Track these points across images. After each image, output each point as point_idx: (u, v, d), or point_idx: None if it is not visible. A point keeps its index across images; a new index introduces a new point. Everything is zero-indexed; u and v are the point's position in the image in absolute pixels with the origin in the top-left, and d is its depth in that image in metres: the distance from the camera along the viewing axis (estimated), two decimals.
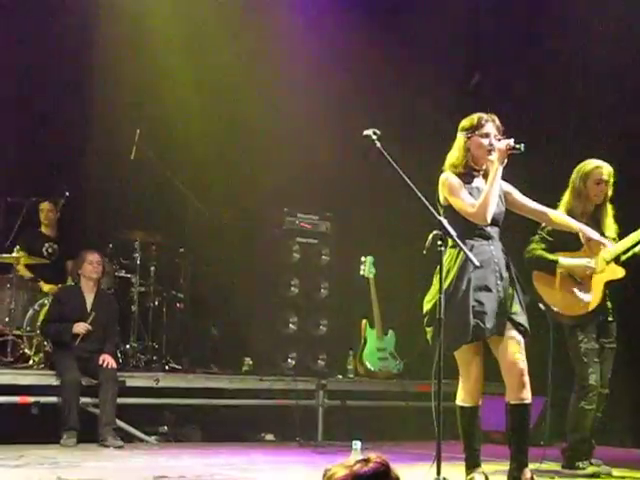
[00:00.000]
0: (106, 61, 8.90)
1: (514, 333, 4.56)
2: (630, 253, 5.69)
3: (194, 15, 9.26)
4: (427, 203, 4.41)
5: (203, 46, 9.20)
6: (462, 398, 4.67)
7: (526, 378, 4.55)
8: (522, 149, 4.58)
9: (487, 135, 4.65)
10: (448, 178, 4.66)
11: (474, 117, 4.71)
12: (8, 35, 8.40)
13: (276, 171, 9.33)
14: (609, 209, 5.80)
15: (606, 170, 5.76)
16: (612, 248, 5.65)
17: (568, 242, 5.71)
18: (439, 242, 4.32)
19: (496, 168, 4.58)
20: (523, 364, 4.54)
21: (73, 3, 8.76)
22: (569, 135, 8.12)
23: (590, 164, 5.78)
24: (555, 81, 8.58)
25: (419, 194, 4.41)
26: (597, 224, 5.74)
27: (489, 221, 4.62)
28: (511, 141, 4.59)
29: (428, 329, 4.66)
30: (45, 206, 8.25)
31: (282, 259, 8.64)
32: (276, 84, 9.33)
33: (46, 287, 7.80)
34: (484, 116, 4.69)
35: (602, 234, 5.72)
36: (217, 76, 9.25)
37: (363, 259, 8.85)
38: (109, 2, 8.96)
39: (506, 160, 4.60)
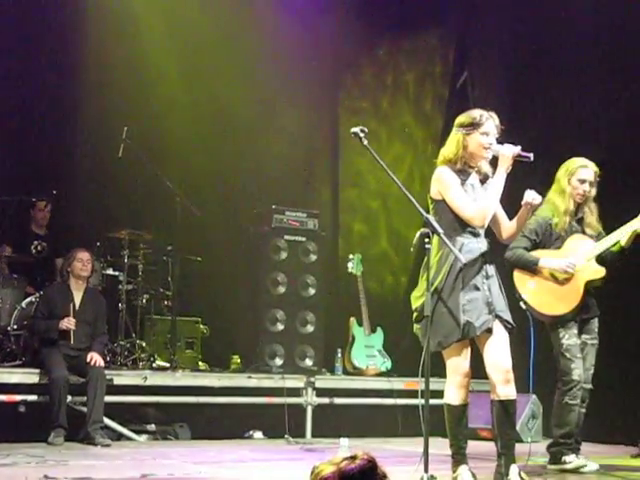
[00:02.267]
0: (94, 59, 8.88)
1: (501, 330, 4.58)
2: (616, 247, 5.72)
3: (183, 13, 9.25)
4: (413, 200, 4.43)
5: (192, 44, 9.20)
6: (450, 396, 4.67)
7: (511, 374, 4.57)
8: (531, 159, 4.57)
9: (487, 134, 4.62)
10: (444, 173, 4.63)
11: (474, 114, 4.66)
12: None
13: (264, 169, 9.33)
14: (592, 208, 5.82)
15: (591, 169, 5.78)
16: (592, 247, 5.69)
17: (551, 241, 5.74)
18: (426, 240, 4.33)
19: (501, 175, 4.56)
20: (509, 360, 4.56)
21: (61, 3, 8.73)
22: (556, 135, 8.13)
23: (576, 162, 5.80)
24: (542, 79, 8.61)
25: (405, 191, 4.43)
26: (580, 223, 5.78)
27: (485, 226, 4.64)
28: (518, 148, 4.58)
29: (417, 325, 4.66)
30: (42, 205, 8.22)
31: (270, 256, 8.64)
32: (266, 82, 9.33)
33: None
34: (484, 114, 4.65)
35: (584, 232, 5.76)
36: (206, 74, 9.24)
37: (351, 256, 8.86)
38: (97, 2, 8.94)
39: (510, 167, 4.58)
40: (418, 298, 4.61)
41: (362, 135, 4.51)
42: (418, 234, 4.36)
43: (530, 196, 4.64)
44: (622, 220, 5.71)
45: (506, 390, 4.55)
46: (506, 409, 4.58)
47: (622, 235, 5.64)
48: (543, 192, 5.75)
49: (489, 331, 4.54)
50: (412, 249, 4.44)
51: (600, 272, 5.70)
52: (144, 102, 8.89)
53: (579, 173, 5.75)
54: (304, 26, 9.32)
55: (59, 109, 8.73)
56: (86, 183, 8.92)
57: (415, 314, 4.65)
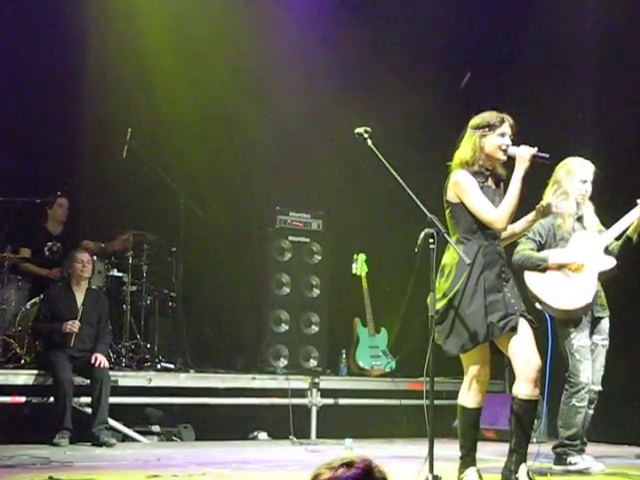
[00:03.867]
0: (97, 60, 8.88)
1: (527, 328, 4.55)
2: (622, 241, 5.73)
3: (185, 13, 9.24)
4: (418, 201, 4.41)
5: (195, 44, 9.19)
6: (466, 399, 4.64)
7: (539, 373, 4.55)
8: (549, 159, 4.57)
9: (503, 135, 4.60)
10: (463, 177, 4.58)
11: (490, 115, 4.64)
12: None
13: (268, 169, 9.32)
14: (589, 205, 5.83)
15: (590, 168, 5.78)
16: (599, 239, 5.69)
17: (555, 242, 5.73)
18: (430, 240, 4.32)
19: (519, 176, 4.53)
20: (539, 359, 4.54)
21: (64, 3, 8.73)
22: (558, 133, 8.14)
23: (575, 162, 5.79)
24: (544, 78, 8.64)
25: (410, 192, 4.42)
26: (580, 222, 5.78)
27: (507, 229, 4.63)
28: (535, 150, 4.56)
29: (437, 328, 4.54)
30: (64, 202, 8.18)
31: (274, 257, 8.64)
32: (269, 82, 9.32)
33: (45, 271, 7.80)
34: (500, 115, 4.63)
35: (584, 229, 5.77)
36: (209, 74, 9.24)
37: (355, 257, 8.86)
38: (100, 1, 8.95)
39: (528, 168, 4.55)
40: (437, 300, 4.52)
41: (366, 136, 4.50)
42: (422, 234, 4.34)
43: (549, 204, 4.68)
44: (618, 214, 5.73)
45: (533, 390, 4.52)
46: (528, 408, 4.55)
47: (626, 224, 5.65)
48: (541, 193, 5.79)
49: (513, 330, 4.51)
50: (416, 249, 4.42)
51: (610, 262, 5.69)
52: (148, 104, 8.89)
53: (580, 173, 5.74)
54: (303, 22, 9.31)
55: (63, 110, 8.73)
56: (90, 184, 8.92)
57: (435, 317, 4.57)
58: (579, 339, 5.67)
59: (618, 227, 5.71)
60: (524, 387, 4.53)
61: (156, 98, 9.01)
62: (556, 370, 5.68)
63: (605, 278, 5.73)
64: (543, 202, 4.75)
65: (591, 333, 5.76)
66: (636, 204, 5.64)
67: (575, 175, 5.73)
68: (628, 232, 5.69)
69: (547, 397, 5.81)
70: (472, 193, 4.56)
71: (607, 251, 5.72)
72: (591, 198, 5.83)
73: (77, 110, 8.90)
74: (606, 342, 5.84)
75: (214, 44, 9.09)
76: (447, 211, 4.67)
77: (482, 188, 4.59)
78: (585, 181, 5.74)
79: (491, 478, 4.73)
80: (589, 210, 5.83)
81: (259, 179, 9.31)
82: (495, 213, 4.55)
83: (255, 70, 9.34)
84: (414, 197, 4.41)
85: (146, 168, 8.27)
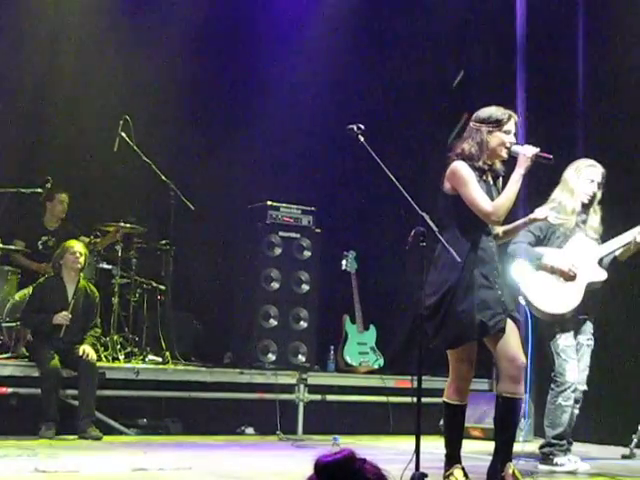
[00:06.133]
0: (88, 53, 8.86)
1: (514, 328, 4.56)
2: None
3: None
4: (409, 198, 4.41)
5: (189, 42, 9.17)
6: (450, 395, 4.63)
7: (524, 372, 4.56)
8: (552, 160, 4.56)
9: (508, 132, 4.59)
10: (462, 168, 4.54)
11: (497, 111, 4.60)
12: None
13: (260, 164, 9.31)
14: (597, 210, 5.81)
15: (599, 170, 5.78)
16: (595, 250, 5.69)
17: (553, 239, 5.74)
18: (421, 238, 4.31)
19: (520, 175, 4.53)
20: (524, 358, 4.57)
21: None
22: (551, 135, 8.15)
23: (585, 162, 5.82)
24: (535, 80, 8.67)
25: (402, 189, 4.41)
26: (583, 224, 5.78)
27: (500, 224, 4.63)
28: (537, 150, 4.55)
29: (427, 323, 4.54)
30: (64, 198, 8.14)
31: (264, 252, 8.63)
32: (263, 77, 9.30)
33: (35, 265, 7.79)
34: (507, 112, 4.61)
35: (585, 234, 5.77)
36: (202, 68, 9.22)
37: (345, 253, 8.86)
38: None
39: (529, 168, 4.54)
40: (429, 296, 4.54)
41: (358, 132, 4.49)
42: (413, 232, 4.33)
43: (541, 214, 4.69)
44: (623, 224, 5.73)
45: (517, 387, 4.54)
46: (513, 407, 4.57)
47: (623, 242, 5.64)
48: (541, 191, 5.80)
49: (501, 331, 4.52)
50: (407, 247, 4.40)
51: (602, 275, 5.69)
52: (140, 96, 8.86)
53: (588, 173, 5.75)
54: (300, 15, 9.31)
55: (53, 103, 8.70)
56: (80, 175, 8.88)
57: (427, 312, 4.55)
58: (565, 339, 5.70)
59: (615, 243, 5.69)
60: (508, 385, 4.54)
61: (148, 91, 8.98)
62: (542, 370, 5.71)
63: (593, 288, 5.72)
64: (540, 213, 4.75)
65: (576, 333, 5.79)
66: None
67: (582, 173, 5.75)
68: (617, 254, 5.70)
69: (529, 394, 5.84)
70: (469, 185, 4.52)
71: (600, 262, 5.72)
72: (601, 203, 5.81)
73: (69, 103, 8.85)
74: (591, 342, 5.86)
75: (211, 43, 9.09)
76: (442, 203, 4.63)
77: (479, 182, 4.57)
78: (592, 181, 5.74)
79: (477, 477, 4.73)
80: (596, 214, 5.81)
81: (250, 174, 9.29)
82: (491, 206, 4.51)
83: (248, 65, 9.32)
84: (406, 194, 4.40)
85: (137, 161, 8.24)
